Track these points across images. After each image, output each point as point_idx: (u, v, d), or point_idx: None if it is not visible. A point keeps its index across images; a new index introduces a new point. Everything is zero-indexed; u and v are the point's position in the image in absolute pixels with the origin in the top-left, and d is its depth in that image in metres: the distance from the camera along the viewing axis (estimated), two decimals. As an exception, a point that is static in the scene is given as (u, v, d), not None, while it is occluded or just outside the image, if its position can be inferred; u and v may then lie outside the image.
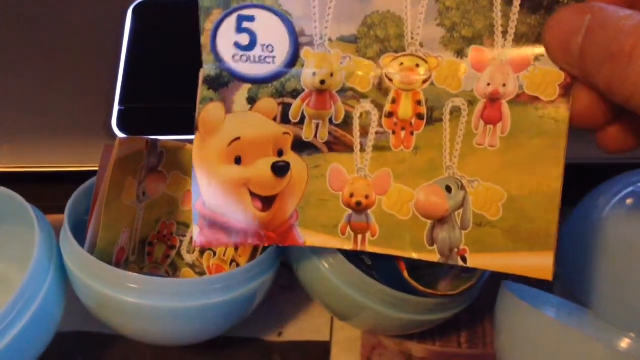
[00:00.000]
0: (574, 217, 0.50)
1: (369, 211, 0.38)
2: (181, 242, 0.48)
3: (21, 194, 0.43)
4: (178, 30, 0.56)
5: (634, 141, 0.34)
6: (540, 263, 0.35)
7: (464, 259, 0.37)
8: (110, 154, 0.43)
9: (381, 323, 0.44)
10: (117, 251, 0.45)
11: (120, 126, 0.53)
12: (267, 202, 0.39)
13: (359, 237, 0.39)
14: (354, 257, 0.43)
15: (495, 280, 0.42)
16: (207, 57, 0.37)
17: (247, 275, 0.42)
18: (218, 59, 0.37)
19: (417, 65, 0.37)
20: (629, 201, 0.48)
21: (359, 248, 0.39)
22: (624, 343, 0.43)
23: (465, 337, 0.48)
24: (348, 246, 0.39)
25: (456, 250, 0.37)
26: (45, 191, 0.51)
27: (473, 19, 0.35)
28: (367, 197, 0.38)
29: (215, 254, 0.47)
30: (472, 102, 0.36)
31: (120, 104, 0.54)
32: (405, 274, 0.41)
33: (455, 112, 0.36)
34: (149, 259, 0.48)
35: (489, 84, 0.35)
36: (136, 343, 0.46)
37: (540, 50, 0.34)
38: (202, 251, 0.48)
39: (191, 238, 0.48)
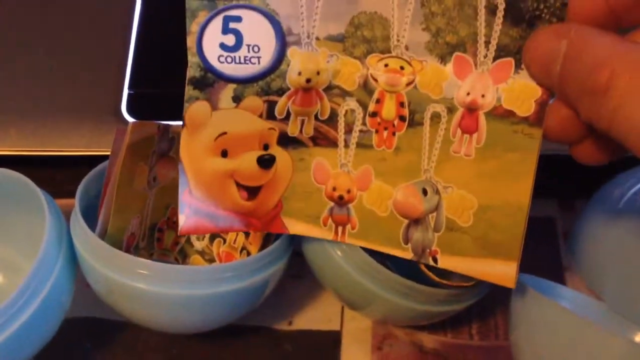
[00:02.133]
0: (589, 209, 0.50)
1: (350, 205, 0.40)
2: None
3: (30, 178, 0.43)
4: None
5: (607, 156, 0.34)
6: (504, 271, 0.36)
7: (435, 260, 0.38)
8: (123, 139, 0.42)
9: (393, 313, 0.44)
10: (128, 237, 0.44)
11: (130, 110, 0.53)
12: (253, 192, 0.40)
13: (340, 229, 0.40)
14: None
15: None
16: (192, 58, 0.38)
17: (258, 264, 0.42)
18: (203, 60, 0.38)
19: (402, 68, 0.37)
20: (644, 194, 0.48)
21: (338, 239, 0.40)
22: (638, 337, 0.43)
23: (477, 329, 0.48)
24: (329, 236, 0.40)
25: (428, 250, 0.38)
26: (55, 175, 0.51)
27: (457, 26, 0.36)
28: (348, 191, 0.40)
29: (225, 241, 0.47)
30: (451, 110, 0.37)
31: (129, 88, 0.54)
32: (420, 264, 0.41)
33: (436, 117, 0.37)
34: (159, 245, 0.47)
35: (468, 93, 0.36)
36: (145, 329, 0.45)
37: (521, 60, 0.34)
38: (212, 238, 0.47)
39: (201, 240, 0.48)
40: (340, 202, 0.40)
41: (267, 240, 0.45)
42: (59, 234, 0.41)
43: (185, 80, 0.39)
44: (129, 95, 0.53)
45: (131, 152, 0.42)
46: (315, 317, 0.48)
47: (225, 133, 0.39)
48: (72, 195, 0.43)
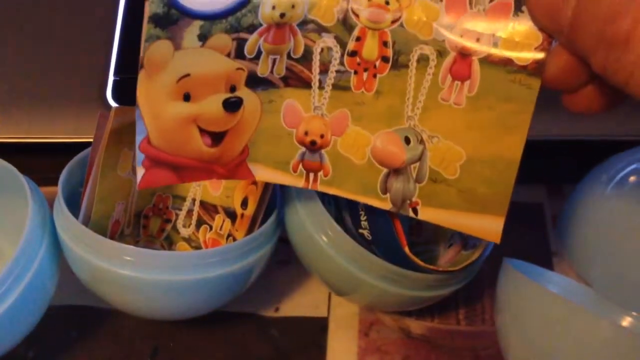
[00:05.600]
0: (577, 193, 0.50)
1: (323, 151, 0.37)
2: (177, 215, 0.47)
3: (14, 165, 0.42)
4: None
5: (602, 106, 0.32)
6: (490, 226, 0.34)
7: (415, 211, 0.36)
8: (105, 124, 0.42)
9: (380, 299, 0.44)
10: (112, 224, 0.44)
11: (115, 97, 0.52)
12: (217, 138, 0.37)
13: (311, 175, 0.38)
14: (354, 232, 0.42)
15: (495, 257, 0.42)
16: None
17: (244, 249, 0.41)
18: None
19: (387, 3, 0.34)
20: (631, 178, 0.48)
21: (310, 187, 0.38)
22: (626, 321, 0.43)
23: (464, 314, 0.47)
24: (299, 184, 0.38)
25: (408, 201, 0.36)
26: (38, 163, 0.50)
27: None
28: (322, 136, 0.37)
29: (211, 228, 0.46)
30: (441, 53, 0.34)
31: (115, 74, 0.53)
32: (406, 250, 0.41)
33: (423, 60, 0.34)
34: (144, 232, 0.47)
35: (461, 36, 0.33)
36: (131, 317, 0.45)
37: (521, 2, 0.31)
38: (199, 225, 0.47)
39: (187, 211, 0.47)
40: (313, 147, 0.37)
41: (253, 226, 0.44)
42: (42, 221, 0.41)
43: None
44: (114, 81, 0.53)
45: (114, 138, 0.42)
46: (302, 303, 0.48)
47: (188, 75, 0.36)
48: (56, 183, 0.42)
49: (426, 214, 0.36)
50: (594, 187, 0.49)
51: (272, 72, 0.37)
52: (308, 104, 0.37)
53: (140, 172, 0.37)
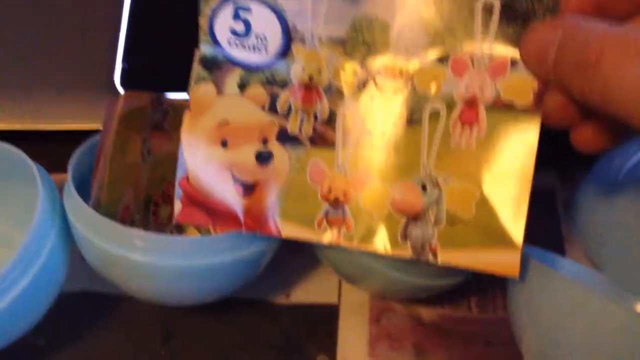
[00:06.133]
0: (589, 180, 0.49)
1: (346, 206, 0.39)
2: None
3: (24, 152, 0.42)
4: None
5: (605, 141, 0.36)
6: (507, 260, 0.37)
7: (435, 255, 0.38)
8: (115, 109, 0.42)
9: (390, 287, 0.43)
10: (122, 210, 0.44)
11: (123, 83, 0.52)
12: (248, 188, 0.39)
13: (335, 230, 0.39)
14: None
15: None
16: (204, 37, 0.39)
17: (255, 235, 0.41)
18: (214, 41, 0.39)
19: (400, 70, 0.38)
20: (644, 164, 0.47)
21: (333, 242, 0.39)
22: (638, 307, 0.43)
23: (475, 301, 0.47)
24: (324, 240, 0.39)
25: (428, 246, 0.38)
26: (48, 149, 0.50)
27: (455, 28, 0.37)
28: (344, 193, 0.39)
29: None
30: (450, 105, 0.37)
31: (123, 60, 0.53)
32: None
33: (434, 114, 0.38)
34: (154, 218, 0.47)
35: (467, 89, 0.37)
36: (142, 303, 0.45)
37: (516, 57, 0.36)
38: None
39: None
40: (336, 204, 0.39)
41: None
42: (52, 207, 0.41)
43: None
44: (123, 68, 0.53)
45: (124, 123, 0.42)
46: (313, 290, 0.48)
47: (227, 121, 0.39)
48: (65, 169, 0.42)
49: (445, 257, 0.38)
50: (606, 172, 0.49)
51: (300, 130, 0.39)
52: (332, 162, 0.39)
53: (178, 206, 0.40)
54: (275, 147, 0.39)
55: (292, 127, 0.39)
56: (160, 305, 0.45)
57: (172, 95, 0.45)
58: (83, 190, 0.42)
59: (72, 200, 0.41)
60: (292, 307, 0.47)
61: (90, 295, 0.47)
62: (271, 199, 0.40)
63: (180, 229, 0.47)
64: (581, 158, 0.50)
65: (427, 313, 0.47)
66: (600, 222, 0.48)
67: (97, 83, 0.52)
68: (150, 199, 0.46)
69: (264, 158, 0.39)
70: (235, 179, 0.39)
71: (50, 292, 0.41)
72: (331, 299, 0.47)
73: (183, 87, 0.48)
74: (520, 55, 0.35)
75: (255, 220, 0.40)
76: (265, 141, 0.39)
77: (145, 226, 0.46)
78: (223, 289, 0.43)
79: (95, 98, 0.51)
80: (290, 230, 0.40)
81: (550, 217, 0.51)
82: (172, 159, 0.46)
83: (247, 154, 0.39)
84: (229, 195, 0.39)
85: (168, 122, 0.45)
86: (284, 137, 0.39)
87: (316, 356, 0.44)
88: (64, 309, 0.44)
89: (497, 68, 0.36)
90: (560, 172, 0.54)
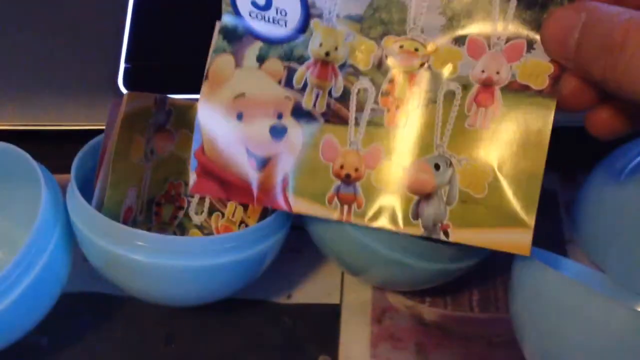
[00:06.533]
0: (591, 180, 0.49)
1: (357, 183, 0.39)
2: (189, 203, 0.47)
3: (27, 152, 0.42)
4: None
5: (622, 126, 0.37)
6: (519, 239, 0.37)
7: (447, 234, 0.38)
8: (118, 110, 0.42)
9: (392, 273, 0.43)
10: (125, 210, 0.44)
11: (127, 84, 0.52)
12: (262, 163, 0.39)
13: (345, 207, 0.40)
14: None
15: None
16: (226, 8, 0.39)
17: (257, 235, 0.41)
18: (236, 12, 0.39)
19: (416, 49, 0.39)
20: (646, 165, 0.47)
21: (344, 219, 0.40)
22: (640, 308, 0.43)
23: (477, 301, 0.47)
24: (333, 216, 0.40)
25: (440, 224, 0.38)
26: (51, 150, 0.50)
27: (473, 11, 0.38)
28: (356, 170, 0.39)
29: (223, 215, 0.46)
30: (466, 87, 0.38)
31: (126, 61, 0.53)
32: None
33: (449, 95, 0.38)
34: (157, 219, 0.47)
35: (483, 71, 0.38)
36: (144, 304, 0.45)
37: (532, 41, 0.37)
38: (211, 212, 0.47)
39: (199, 199, 0.47)
40: (348, 180, 0.40)
41: (265, 213, 0.44)
42: (55, 206, 0.41)
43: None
44: (126, 69, 0.53)
45: (127, 124, 0.42)
46: (314, 290, 0.48)
47: (243, 94, 0.39)
48: (68, 170, 0.42)
49: (457, 235, 0.38)
50: (607, 173, 0.49)
51: (314, 106, 0.40)
52: (344, 139, 0.40)
53: (193, 177, 0.40)
54: (289, 122, 0.39)
55: (307, 102, 0.39)
56: (162, 306, 0.45)
57: (175, 96, 0.45)
58: (86, 191, 0.42)
59: (75, 201, 0.41)
60: (294, 307, 0.47)
61: (93, 296, 0.47)
62: (283, 174, 0.40)
63: (182, 229, 0.47)
64: (583, 160, 0.51)
65: (429, 313, 0.47)
66: (602, 224, 0.48)
67: (100, 84, 0.52)
68: (153, 200, 0.46)
69: (278, 132, 0.39)
70: (250, 153, 0.40)
71: (52, 292, 0.42)
72: (333, 299, 0.47)
73: (188, 88, 0.48)
74: (541, 38, 0.36)
75: (267, 194, 0.40)
76: (279, 116, 0.39)
77: (148, 227, 0.46)
78: (225, 289, 0.43)
79: (98, 99, 0.51)
80: (302, 206, 0.40)
81: (552, 218, 0.51)
82: (174, 159, 0.46)
83: (261, 127, 0.39)
84: (244, 168, 0.39)
85: (171, 122, 0.45)
86: (299, 113, 0.40)
87: (318, 356, 0.45)
88: (66, 309, 0.44)
89: (513, 51, 0.37)
90: (561, 173, 0.54)
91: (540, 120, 0.36)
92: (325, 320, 0.46)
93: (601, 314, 0.35)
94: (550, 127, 0.36)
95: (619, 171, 0.48)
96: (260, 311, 0.47)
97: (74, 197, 0.41)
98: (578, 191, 0.50)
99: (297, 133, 0.40)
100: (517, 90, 0.37)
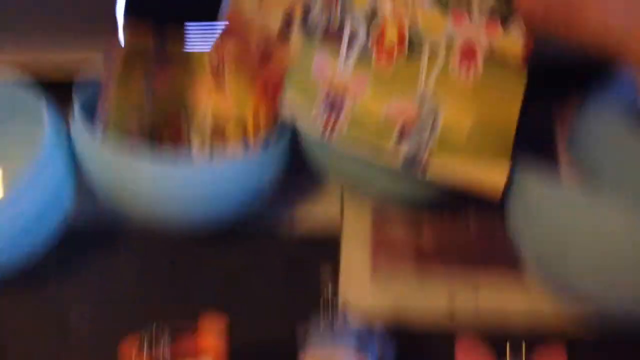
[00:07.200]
0: (589, 106, 0.49)
1: (343, 108, 0.41)
2: (190, 129, 0.48)
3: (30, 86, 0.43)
4: None
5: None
6: (492, 183, 0.40)
7: (426, 167, 0.40)
8: (117, 42, 0.42)
9: (392, 182, 0.44)
10: (128, 134, 0.44)
11: (126, 14, 0.52)
12: (265, 57, 0.42)
13: (329, 126, 0.41)
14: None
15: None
16: None
17: (258, 160, 0.42)
18: None
19: (406, 4, 0.41)
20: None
21: (326, 138, 0.41)
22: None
23: (474, 221, 0.48)
24: (316, 131, 0.41)
25: (419, 157, 0.40)
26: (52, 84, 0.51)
27: None
28: (344, 91, 0.41)
29: (224, 140, 0.47)
30: (450, 46, 0.41)
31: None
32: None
33: (435, 46, 0.41)
34: (160, 144, 0.47)
35: (465, 38, 0.41)
36: (148, 237, 0.46)
37: (508, 21, 0.40)
38: (211, 138, 0.47)
39: (200, 124, 0.48)
40: (334, 102, 0.40)
41: (267, 138, 0.45)
42: (58, 134, 0.42)
43: None
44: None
45: (128, 57, 0.42)
46: (316, 220, 0.49)
47: None
48: (69, 104, 0.43)
49: (435, 170, 0.41)
50: (605, 101, 0.49)
51: (318, 23, 0.42)
52: (334, 64, 0.42)
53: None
54: (295, 29, 0.41)
55: (314, 17, 0.42)
56: (167, 235, 0.46)
57: (176, 28, 0.45)
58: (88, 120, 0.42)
59: (79, 126, 0.42)
60: (295, 237, 0.48)
61: (97, 231, 0.48)
62: (280, 76, 0.42)
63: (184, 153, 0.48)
64: (580, 89, 0.51)
65: (427, 238, 0.48)
66: (597, 149, 0.48)
67: (99, 13, 0.52)
68: (154, 129, 0.47)
69: (285, 33, 0.41)
70: (259, 43, 0.42)
71: (56, 216, 0.43)
72: (334, 229, 0.48)
73: (186, 19, 0.48)
74: (516, 8, 0.39)
75: (268, 91, 0.42)
76: (289, 23, 0.41)
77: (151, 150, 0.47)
78: (228, 215, 0.44)
79: (97, 29, 0.51)
80: (292, 109, 0.41)
81: (548, 144, 0.52)
82: (174, 95, 0.47)
83: (274, 21, 0.41)
84: (252, 50, 0.42)
85: (171, 55, 0.45)
86: (305, 24, 0.42)
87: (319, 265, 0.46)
88: (71, 244, 0.45)
89: (490, 28, 0.40)
90: (560, 98, 0.54)
91: (515, 84, 0.40)
92: (326, 249, 0.47)
93: (597, 219, 0.36)
94: (522, 89, 0.40)
95: (615, 99, 0.48)
96: (262, 241, 0.48)
97: (77, 123, 0.42)
98: (576, 116, 0.50)
99: (299, 42, 0.42)
100: (495, 58, 0.41)
